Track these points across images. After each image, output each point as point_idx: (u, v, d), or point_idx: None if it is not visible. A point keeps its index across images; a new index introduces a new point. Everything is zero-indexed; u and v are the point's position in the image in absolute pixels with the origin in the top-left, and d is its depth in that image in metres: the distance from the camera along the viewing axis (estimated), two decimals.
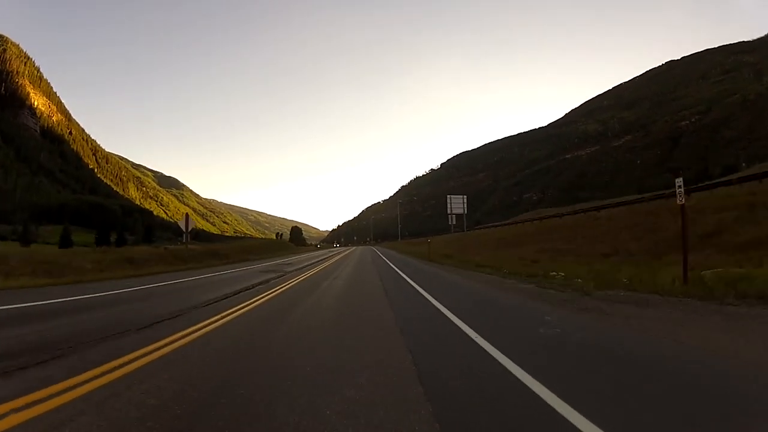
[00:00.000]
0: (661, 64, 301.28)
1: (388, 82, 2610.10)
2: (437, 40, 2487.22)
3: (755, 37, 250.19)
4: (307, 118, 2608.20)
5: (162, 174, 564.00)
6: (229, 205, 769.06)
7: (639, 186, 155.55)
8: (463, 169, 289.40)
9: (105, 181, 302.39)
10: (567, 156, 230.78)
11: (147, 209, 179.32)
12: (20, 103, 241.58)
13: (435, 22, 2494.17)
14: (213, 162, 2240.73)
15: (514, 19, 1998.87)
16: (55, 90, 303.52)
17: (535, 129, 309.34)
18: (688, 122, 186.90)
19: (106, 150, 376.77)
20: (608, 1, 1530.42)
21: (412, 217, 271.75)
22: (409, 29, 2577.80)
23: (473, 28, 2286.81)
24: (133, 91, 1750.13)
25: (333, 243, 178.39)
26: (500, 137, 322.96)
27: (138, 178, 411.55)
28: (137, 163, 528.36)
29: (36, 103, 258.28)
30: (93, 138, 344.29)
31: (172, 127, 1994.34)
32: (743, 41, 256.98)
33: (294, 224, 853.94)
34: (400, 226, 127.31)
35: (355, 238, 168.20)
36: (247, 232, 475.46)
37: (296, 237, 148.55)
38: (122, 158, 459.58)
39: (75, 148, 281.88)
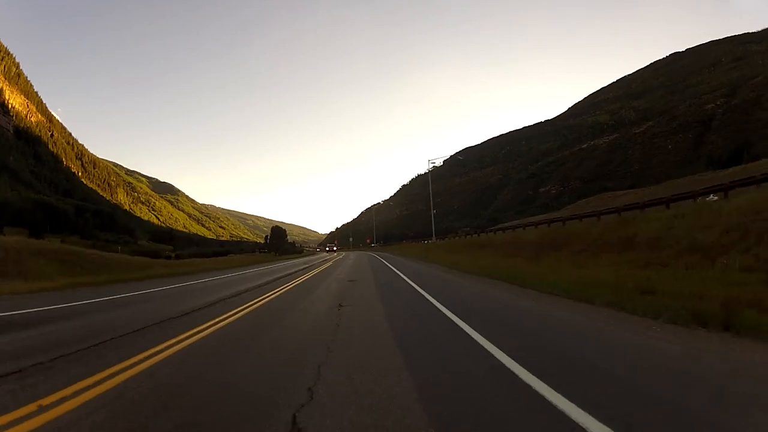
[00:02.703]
0: (666, 55, 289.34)
1: (386, 81, 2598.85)
2: (435, 39, 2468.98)
3: (760, 28, 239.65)
4: (306, 120, 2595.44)
5: (157, 180, 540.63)
6: (227, 210, 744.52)
7: (675, 171, 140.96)
8: (469, 164, 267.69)
9: (90, 185, 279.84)
10: (583, 146, 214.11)
11: (107, 211, 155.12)
12: None
13: (432, 20, 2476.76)
14: (210, 167, 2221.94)
15: (511, 17, 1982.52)
16: (36, 90, 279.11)
17: (542, 122, 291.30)
18: (713, 105, 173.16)
19: (99, 156, 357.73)
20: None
21: (415, 216, 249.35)
22: (408, 26, 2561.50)
23: (470, 29, 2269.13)
24: (130, 97, 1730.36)
25: (325, 247, 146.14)
26: (504, 132, 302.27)
27: (130, 183, 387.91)
28: (131, 169, 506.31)
29: (11, 102, 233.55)
30: (81, 143, 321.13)
31: (170, 134, 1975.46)
32: (748, 32, 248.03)
33: (294, 228, 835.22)
34: (434, 211, 75.66)
35: (351, 239, 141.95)
36: (244, 236, 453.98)
37: (278, 239, 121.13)
38: (116, 164, 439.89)
39: (55, 151, 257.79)
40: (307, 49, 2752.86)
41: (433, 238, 59.09)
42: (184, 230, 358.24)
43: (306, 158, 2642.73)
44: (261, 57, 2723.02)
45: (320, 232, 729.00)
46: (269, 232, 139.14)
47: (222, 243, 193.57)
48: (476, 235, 47.47)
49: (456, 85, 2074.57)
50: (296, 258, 52.51)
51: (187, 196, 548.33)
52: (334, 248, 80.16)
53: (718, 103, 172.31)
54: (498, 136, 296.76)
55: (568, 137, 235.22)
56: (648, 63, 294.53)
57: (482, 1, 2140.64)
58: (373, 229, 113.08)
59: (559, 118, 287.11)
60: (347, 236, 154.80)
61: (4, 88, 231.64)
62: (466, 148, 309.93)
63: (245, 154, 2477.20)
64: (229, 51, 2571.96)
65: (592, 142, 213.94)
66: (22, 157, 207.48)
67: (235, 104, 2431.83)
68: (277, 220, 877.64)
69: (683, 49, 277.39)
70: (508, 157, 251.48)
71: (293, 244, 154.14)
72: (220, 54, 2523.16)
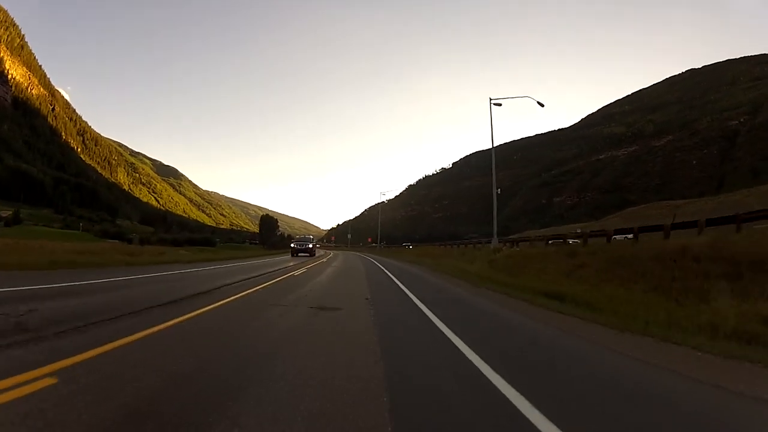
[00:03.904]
0: (682, 71, 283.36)
1: (395, 81, 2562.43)
2: (446, 41, 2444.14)
3: None
4: (315, 116, 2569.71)
5: (161, 163, 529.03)
6: (231, 198, 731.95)
7: (705, 186, 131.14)
8: (479, 168, 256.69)
9: (89, 162, 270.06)
10: (600, 157, 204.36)
11: (89, 186, 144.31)
12: None
13: (444, 22, 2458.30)
14: (218, 155, 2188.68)
15: (522, 25, 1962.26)
16: (41, 64, 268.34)
17: (555, 130, 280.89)
18: (737, 122, 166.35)
19: (104, 135, 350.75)
20: (624, 13, 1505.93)
21: (421, 218, 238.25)
22: (417, 27, 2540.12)
23: (481, 33, 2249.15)
24: (143, 82, 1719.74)
25: (295, 243, 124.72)
26: (516, 138, 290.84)
27: (132, 164, 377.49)
28: (136, 150, 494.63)
29: (12, 72, 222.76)
30: (85, 120, 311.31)
31: (181, 120, 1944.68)
32: (765, 53, 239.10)
33: (295, 222, 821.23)
34: (498, 190, 35.44)
35: (349, 236, 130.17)
36: (244, 225, 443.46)
37: (268, 230, 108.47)
38: (120, 144, 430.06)
39: (55, 125, 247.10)
40: (320, 44, 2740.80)
41: (495, 240, 32.48)
42: (183, 215, 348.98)
43: (312, 154, 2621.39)
44: (274, 49, 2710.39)
45: (322, 228, 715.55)
46: (264, 221, 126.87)
47: (213, 230, 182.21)
48: (630, 237, 21.93)
49: (465, 88, 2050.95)
50: (232, 261, 30.68)
51: (190, 181, 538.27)
52: (309, 245, 39.88)
53: (742, 120, 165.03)
54: (509, 142, 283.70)
55: (583, 147, 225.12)
56: (663, 78, 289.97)
57: (495, 6, 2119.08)
58: (378, 228, 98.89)
59: (572, 128, 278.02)
60: (348, 233, 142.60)
61: (5, 58, 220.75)
62: (476, 152, 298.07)
63: (253, 145, 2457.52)
64: (244, 43, 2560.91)
65: (609, 153, 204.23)
66: (16, 127, 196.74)
67: (247, 94, 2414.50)
68: (279, 212, 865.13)
69: (699, 66, 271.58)
70: (520, 163, 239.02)
71: (289, 236, 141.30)
72: (235, 45, 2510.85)
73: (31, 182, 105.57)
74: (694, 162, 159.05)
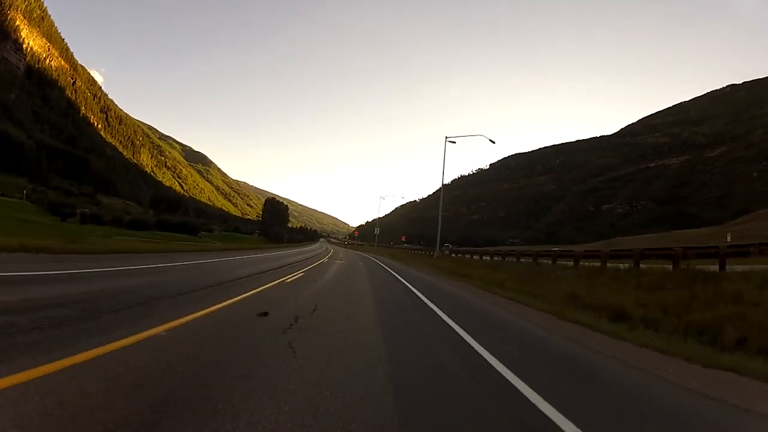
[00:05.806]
0: (723, 86, 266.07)
1: (430, 82, 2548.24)
2: (484, 45, 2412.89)
3: None
4: (349, 114, 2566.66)
5: (191, 149, 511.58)
6: (260, 189, 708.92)
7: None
8: (518, 171, 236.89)
9: (110, 140, 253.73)
10: (650, 165, 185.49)
11: (79, 156, 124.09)
12: (4, 35, 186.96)
13: (483, 29, 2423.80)
14: (251, 145, 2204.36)
15: (559, 40, 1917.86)
16: (63, 37, 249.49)
17: (597, 137, 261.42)
18: None
19: (134, 117, 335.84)
20: (669, 32, 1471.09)
21: (455, 219, 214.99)
22: (457, 26, 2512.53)
23: (519, 42, 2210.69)
24: (179, 66, 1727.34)
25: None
26: (557, 143, 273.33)
27: (159, 146, 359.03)
28: (166, 134, 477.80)
29: (28, 42, 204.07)
30: (110, 98, 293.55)
31: (214, 106, 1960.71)
32: None
33: (324, 217, 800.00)
34: None
35: (377, 231, 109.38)
36: None
37: (274, 218, 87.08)
38: (150, 127, 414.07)
39: (74, 99, 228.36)
40: (362, 37, 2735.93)
41: None
42: (208, 202, 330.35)
43: (345, 151, 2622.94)
44: (314, 41, 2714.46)
45: (351, 225, 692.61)
46: (303, 218, 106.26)
47: (227, 219, 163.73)
48: None
49: (501, 91, 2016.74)
50: None
51: (219, 169, 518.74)
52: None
53: None
54: (550, 146, 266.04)
55: (629, 154, 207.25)
56: (704, 92, 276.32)
57: (541, 16, 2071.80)
58: (439, 225, 72.39)
59: (615, 135, 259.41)
60: (375, 229, 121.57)
61: (21, 27, 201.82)
62: (516, 154, 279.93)
63: (288, 138, 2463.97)
64: (283, 34, 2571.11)
65: (659, 162, 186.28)
66: (26, 96, 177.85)
67: (286, 87, 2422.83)
68: (309, 206, 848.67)
69: (740, 82, 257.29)
70: (563, 168, 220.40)
71: (311, 230, 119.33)
72: (275, 35, 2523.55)
73: (8, 145, 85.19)
74: (755, 174, 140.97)
